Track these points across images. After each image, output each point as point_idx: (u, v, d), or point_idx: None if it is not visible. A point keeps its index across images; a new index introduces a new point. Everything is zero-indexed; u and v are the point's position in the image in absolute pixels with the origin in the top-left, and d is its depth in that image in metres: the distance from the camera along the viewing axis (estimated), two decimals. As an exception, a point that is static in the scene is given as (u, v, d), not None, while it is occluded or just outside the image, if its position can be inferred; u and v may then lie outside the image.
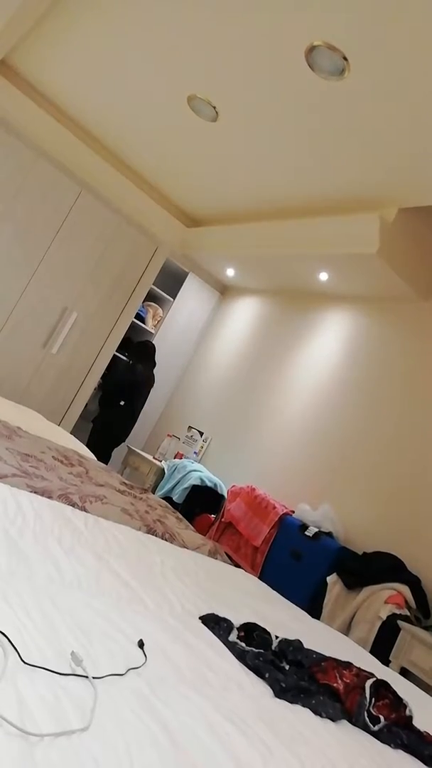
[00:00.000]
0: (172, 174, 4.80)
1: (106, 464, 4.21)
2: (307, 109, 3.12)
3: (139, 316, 5.50)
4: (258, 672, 1.36)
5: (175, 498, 4.10)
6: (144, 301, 5.46)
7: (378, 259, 3.66)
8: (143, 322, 5.60)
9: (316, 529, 3.46)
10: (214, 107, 3.51)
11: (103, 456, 4.76)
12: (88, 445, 4.39)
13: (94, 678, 0.93)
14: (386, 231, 3.58)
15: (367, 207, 3.68)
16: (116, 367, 5.16)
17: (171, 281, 5.70)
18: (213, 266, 5.52)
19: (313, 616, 2.62)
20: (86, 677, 0.92)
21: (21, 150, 4.38)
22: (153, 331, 5.64)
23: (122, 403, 4.84)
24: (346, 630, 3.08)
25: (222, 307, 5.88)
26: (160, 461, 4.71)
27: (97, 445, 4.63)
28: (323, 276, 4.31)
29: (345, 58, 2.67)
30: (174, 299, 5.66)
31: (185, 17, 2.95)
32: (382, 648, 2.88)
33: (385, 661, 2.74)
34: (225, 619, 1.55)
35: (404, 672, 2.73)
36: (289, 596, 2.56)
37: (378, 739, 1.37)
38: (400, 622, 2.89)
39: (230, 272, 5.39)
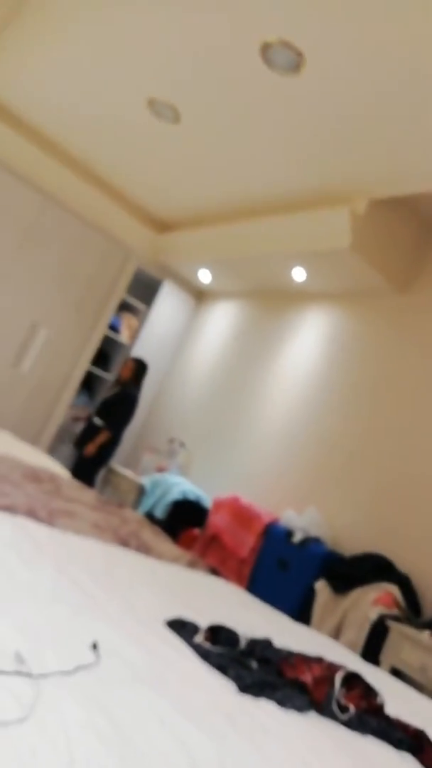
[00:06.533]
0: (138, 180, 4.84)
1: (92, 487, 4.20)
2: (267, 106, 3.20)
3: (113, 328, 5.46)
4: (222, 670, 1.37)
5: (157, 514, 4.07)
6: (118, 312, 5.43)
7: (351, 254, 3.70)
8: (118, 334, 5.56)
9: (303, 536, 3.46)
10: (175, 109, 3.58)
11: (88, 480, 4.72)
12: (73, 469, 4.36)
13: (38, 675, 0.94)
14: (358, 224, 3.61)
15: (337, 201, 3.72)
16: (99, 387, 5.09)
17: (145, 289, 5.67)
18: (187, 271, 5.52)
19: (303, 624, 2.62)
20: (29, 675, 0.93)
21: None
22: (128, 342, 5.59)
23: (100, 424, 4.76)
24: (336, 635, 3.07)
25: (199, 313, 5.87)
26: (141, 477, 4.68)
27: (82, 468, 4.59)
28: (299, 274, 4.34)
29: (300, 54, 2.74)
30: (149, 308, 5.62)
31: (140, 20, 3.04)
32: (373, 650, 2.87)
33: (376, 663, 2.73)
34: (191, 623, 1.56)
35: (395, 672, 2.71)
36: (278, 606, 2.55)
37: (348, 728, 1.38)
38: (389, 621, 2.88)
39: (205, 276, 5.38)
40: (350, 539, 3.53)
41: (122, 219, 5.23)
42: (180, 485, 4.20)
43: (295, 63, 2.81)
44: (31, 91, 4.23)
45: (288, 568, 3.42)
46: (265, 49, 2.81)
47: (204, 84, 3.28)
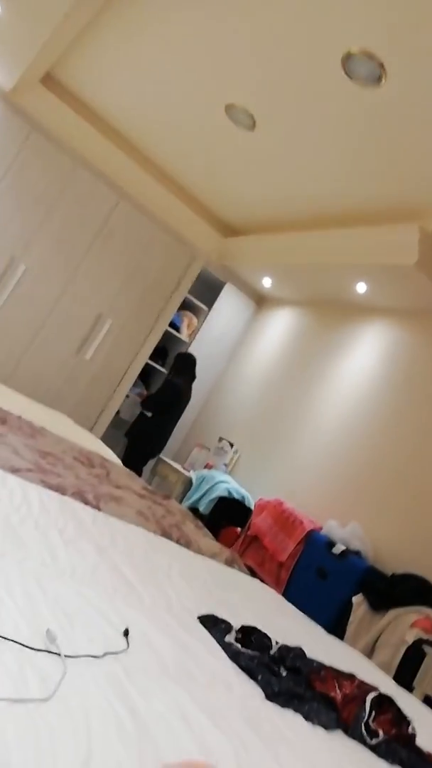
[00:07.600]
0: (210, 183, 4.85)
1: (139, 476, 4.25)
2: (345, 117, 3.13)
3: (173, 325, 5.55)
4: (250, 673, 1.35)
5: (201, 509, 4.08)
6: (179, 310, 5.50)
7: (417, 271, 3.59)
8: (178, 331, 5.64)
9: (344, 547, 3.39)
10: (252, 116, 3.56)
11: (136, 469, 4.78)
12: (123, 457, 4.43)
13: (66, 656, 0.95)
14: (426, 242, 3.51)
15: (406, 217, 3.63)
16: (155, 380, 5.16)
17: (207, 290, 5.72)
18: (249, 276, 5.52)
19: (336, 637, 2.55)
20: (58, 654, 0.93)
21: (60, 158, 4.53)
22: (187, 340, 5.65)
23: (149, 415, 4.83)
24: (370, 653, 2.98)
25: (257, 318, 5.86)
26: (189, 471, 4.71)
27: (131, 457, 4.67)
28: (361, 287, 4.25)
29: (382, 66, 2.67)
30: (210, 309, 5.66)
31: (222, 28, 3.01)
32: (406, 674, 2.78)
33: (409, 688, 2.64)
34: (224, 621, 1.54)
35: (429, 700, 2.61)
36: (313, 615, 2.50)
37: (375, 754, 1.33)
38: (426, 647, 2.78)
39: (267, 282, 5.37)
40: (391, 558, 3.43)
41: (191, 220, 5.29)
42: (226, 483, 4.19)
43: (377, 75, 2.73)
44: (112, 90, 4.28)
45: (326, 577, 3.35)
46: (347, 59, 2.73)
47: (282, 92, 3.23)
